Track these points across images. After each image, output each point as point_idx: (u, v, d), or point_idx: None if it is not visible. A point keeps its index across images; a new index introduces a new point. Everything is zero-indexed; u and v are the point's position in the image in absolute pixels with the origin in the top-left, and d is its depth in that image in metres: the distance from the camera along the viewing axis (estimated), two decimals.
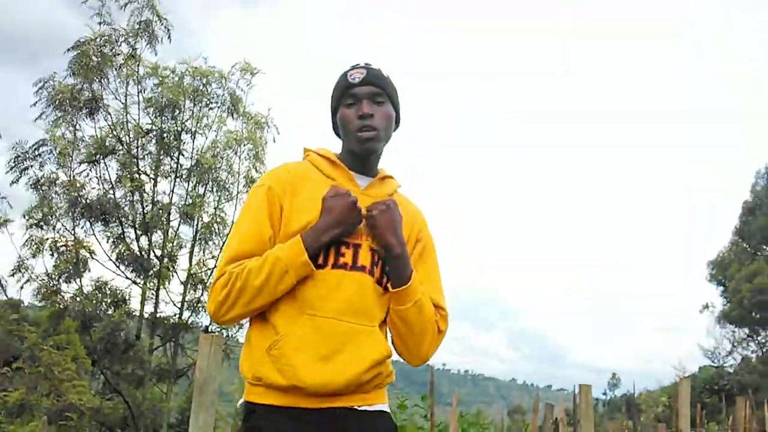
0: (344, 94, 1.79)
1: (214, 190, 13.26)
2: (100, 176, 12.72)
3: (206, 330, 13.28)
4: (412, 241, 1.85)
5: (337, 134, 1.87)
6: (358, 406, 1.69)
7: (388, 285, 1.76)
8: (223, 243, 13.58)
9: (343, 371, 1.64)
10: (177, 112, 13.06)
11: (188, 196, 13.31)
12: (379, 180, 1.85)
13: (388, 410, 1.78)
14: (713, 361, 32.77)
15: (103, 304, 12.28)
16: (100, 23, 12.58)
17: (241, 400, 1.73)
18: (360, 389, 1.69)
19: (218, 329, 13.34)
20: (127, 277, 12.85)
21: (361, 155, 1.80)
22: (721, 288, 32.57)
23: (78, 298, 11.96)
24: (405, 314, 1.74)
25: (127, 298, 12.62)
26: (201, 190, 13.44)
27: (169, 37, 13.05)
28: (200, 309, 13.40)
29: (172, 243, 13.15)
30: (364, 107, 1.75)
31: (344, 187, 1.75)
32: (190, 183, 13.34)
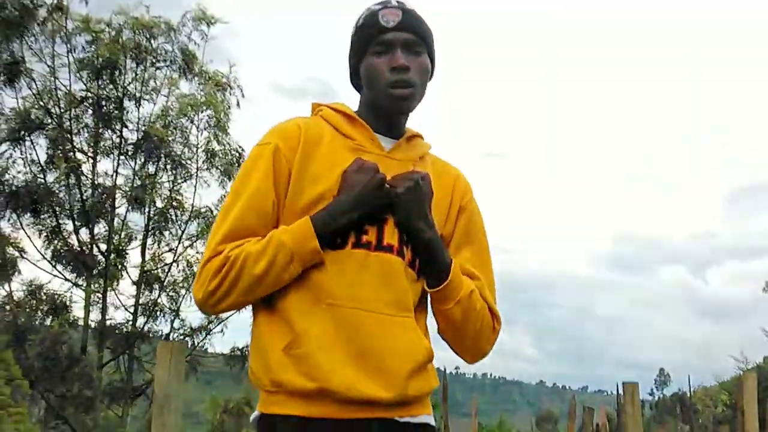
0: (373, 39, 1.73)
1: (168, 167, 13.06)
2: (27, 157, 12.49)
3: (166, 338, 13.17)
4: (454, 210, 1.80)
5: (355, 85, 1.83)
6: (399, 417, 1.65)
7: (424, 281, 1.71)
8: (182, 231, 13.43)
9: (380, 374, 1.60)
10: (116, 74, 12.76)
11: (136, 177, 13.09)
12: (407, 140, 1.79)
13: (432, 423, 1.73)
14: None
15: (39, 312, 12.11)
16: None
17: (255, 414, 1.67)
18: (402, 396, 1.63)
19: (180, 337, 13.25)
20: (66, 279, 12.65)
21: (391, 114, 1.76)
22: None
23: (8, 307, 11.77)
24: (448, 314, 1.70)
25: (67, 303, 12.44)
26: (151, 169, 13.24)
27: None
28: (158, 313, 13.28)
29: (120, 235, 12.93)
30: (399, 58, 1.70)
31: (370, 158, 1.69)
32: (138, 160, 13.11)
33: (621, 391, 6.09)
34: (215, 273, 1.60)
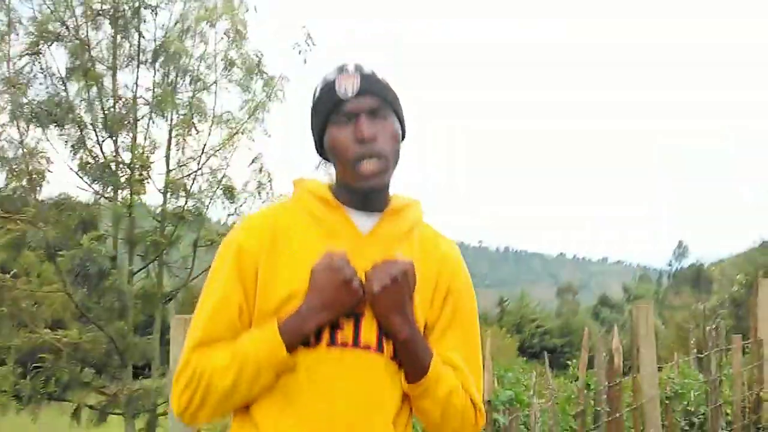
0: (333, 110, 1.60)
1: (188, 81, 12.92)
2: (47, 69, 12.34)
3: (195, 246, 13.36)
4: (440, 294, 1.68)
5: (323, 157, 1.71)
6: None
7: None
8: (205, 143, 13.40)
9: None
10: None
11: (156, 87, 12.96)
12: (391, 214, 1.66)
13: None
14: None
15: (70, 225, 12.18)
16: None
17: None
18: None
19: (207, 243, 13.40)
20: (95, 192, 12.78)
21: (364, 193, 1.63)
22: None
23: (38, 222, 11.79)
24: (426, 411, 1.63)
25: (95, 215, 12.62)
26: (171, 78, 13.07)
27: None
28: (185, 221, 13.44)
29: (143, 145, 12.97)
30: (363, 128, 1.57)
31: (345, 244, 1.58)
32: (158, 71, 12.97)
33: (634, 313, 5.97)
34: (185, 388, 1.55)
